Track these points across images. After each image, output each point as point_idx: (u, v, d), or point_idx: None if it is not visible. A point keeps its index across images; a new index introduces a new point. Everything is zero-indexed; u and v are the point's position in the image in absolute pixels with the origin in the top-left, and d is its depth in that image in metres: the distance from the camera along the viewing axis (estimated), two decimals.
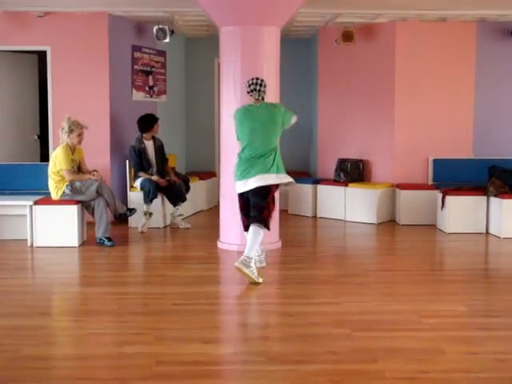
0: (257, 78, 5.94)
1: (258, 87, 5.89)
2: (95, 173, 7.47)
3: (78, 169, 7.53)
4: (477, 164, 8.92)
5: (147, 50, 9.53)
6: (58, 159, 7.30)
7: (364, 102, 9.45)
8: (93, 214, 7.46)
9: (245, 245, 6.73)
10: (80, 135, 7.39)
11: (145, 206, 8.22)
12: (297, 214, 9.68)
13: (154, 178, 8.36)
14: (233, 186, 7.10)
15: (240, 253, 6.86)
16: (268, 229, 5.83)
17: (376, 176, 9.41)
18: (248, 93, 5.96)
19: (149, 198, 8.20)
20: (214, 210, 9.79)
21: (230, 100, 6.99)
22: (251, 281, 5.61)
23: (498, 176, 8.02)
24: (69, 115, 7.43)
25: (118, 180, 8.87)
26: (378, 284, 5.75)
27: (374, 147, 9.38)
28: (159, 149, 8.65)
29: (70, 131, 7.33)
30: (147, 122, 8.54)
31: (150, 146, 8.59)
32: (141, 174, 8.46)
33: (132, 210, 7.78)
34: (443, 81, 9.14)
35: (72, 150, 7.42)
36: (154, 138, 8.64)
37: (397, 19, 8.89)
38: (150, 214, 8.27)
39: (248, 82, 5.96)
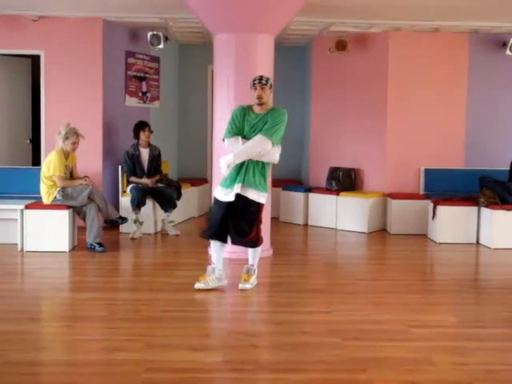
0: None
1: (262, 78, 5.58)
2: (86, 179, 7.46)
3: (70, 175, 7.51)
4: (468, 174, 8.95)
5: (141, 56, 9.53)
6: (51, 164, 7.28)
7: (357, 111, 9.47)
8: (84, 220, 7.44)
9: (236, 252, 6.77)
10: (74, 144, 7.37)
11: (134, 214, 8.20)
12: (288, 221, 9.68)
13: (144, 180, 8.36)
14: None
15: (232, 260, 6.88)
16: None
17: (368, 185, 9.43)
18: (251, 88, 5.57)
19: (135, 205, 8.18)
20: (205, 217, 9.77)
21: (224, 107, 6.99)
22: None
23: (488, 187, 8.04)
24: (69, 121, 7.42)
25: (110, 185, 8.85)
26: (368, 293, 5.75)
27: (366, 156, 9.40)
28: (154, 158, 8.63)
29: (66, 138, 7.32)
30: (134, 129, 8.56)
31: (145, 153, 8.57)
32: (132, 178, 8.45)
33: (124, 219, 7.76)
34: (435, 91, 9.18)
35: (66, 155, 7.40)
36: (150, 146, 8.63)
37: (390, 29, 8.94)
38: (141, 223, 8.25)
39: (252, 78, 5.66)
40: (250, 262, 5.86)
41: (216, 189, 5.79)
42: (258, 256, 5.88)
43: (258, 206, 5.60)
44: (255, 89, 5.54)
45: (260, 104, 5.53)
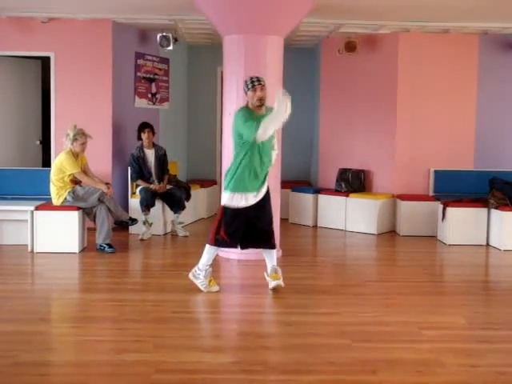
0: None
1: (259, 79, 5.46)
2: (109, 186, 7.48)
3: None
4: (478, 176, 8.92)
5: (150, 58, 9.55)
6: (64, 166, 7.31)
7: (366, 113, 9.46)
8: (94, 221, 7.46)
9: (245, 253, 6.77)
10: (83, 144, 7.41)
11: (143, 215, 8.22)
12: (297, 223, 9.67)
13: (152, 186, 8.36)
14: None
15: (241, 261, 6.89)
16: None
17: (377, 186, 9.41)
18: (250, 89, 5.43)
19: (144, 206, 8.19)
20: (214, 218, 9.75)
21: (233, 108, 6.96)
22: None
23: (498, 188, 8.01)
24: (75, 123, 7.46)
25: (120, 187, 8.87)
26: (378, 295, 5.73)
27: (376, 157, 9.38)
28: (160, 158, 8.63)
29: (75, 140, 7.35)
30: (138, 130, 8.57)
31: (150, 154, 8.58)
32: (139, 181, 8.46)
33: (134, 221, 7.79)
34: (445, 92, 9.16)
35: (75, 156, 7.43)
36: (155, 146, 8.64)
37: (399, 30, 8.92)
38: (150, 224, 8.26)
39: (249, 79, 5.50)
40: (273, 263, 5.82)
41: (227, 196, 5.59)
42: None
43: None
44: (255, 90, 5.42)
45: (261, 105, 5.48)
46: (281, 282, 5.71)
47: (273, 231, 5.75)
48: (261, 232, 5.65)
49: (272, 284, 5.70)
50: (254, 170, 5.47)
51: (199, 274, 5.72)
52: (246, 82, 5.52)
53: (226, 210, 5.57)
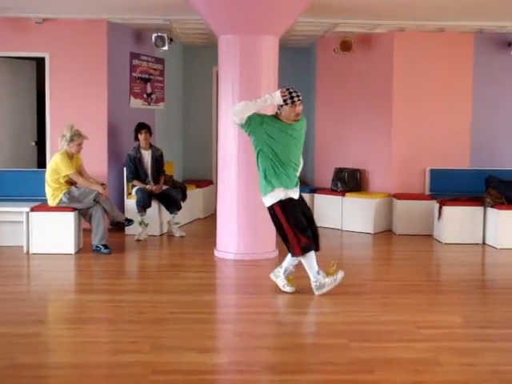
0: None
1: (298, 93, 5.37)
2: (105, 187, 7.47)
3: None
4: (474, 174, 8.92)
5: (145, 58, 9.53)
6: (59, 167, 7.29)
7: (361, 112, 9.46)
8: (90, 222, 7.44)
9: (242, 253, 6.77)
10: (80, 145, 7.39)
11: (139, 216, 8.20)
12: None
13: (148, 186, 8.35)
14: (230, 193, 7.12)
15: (237, 261, 6.88)
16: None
17: (373, 186, 9.42)
18: (289, 105, 5.31)
19: (140, 206, 8.17)
20: (210, 219, 9.76)
21: (229, 107, 6.99)
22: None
23: (494, 187, 8.02)
24: (71, 123, 7.43)
25: (116, 187, 8.85)
26: (374, 294, 5.74)
27: (372, 157, 9.38)
28: (157, 159, 8.61)
29: (71, 140, 7.33)
30: (134, 131, 8.56)
31: (146, 155, 8.55)
32: (135, 182, 8.44)
33: (130, 221, 7.78)
34: (441, 91, 9.16)
35: (70, 157, 7.41)
36: (152, 147, 8.63)
37: (395, 29, 8.92)
38: (146, 225, 8.25)
39: (287, 91, 5.34)
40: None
41: (278, 193, 5.45)
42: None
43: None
44: (295, 106, 5.31)
45: (297, 121, 5.45)
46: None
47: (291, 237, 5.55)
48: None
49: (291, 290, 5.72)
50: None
51: (279, 272, 5.74)
52: (283, 94, 5.29)
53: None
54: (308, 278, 5.75)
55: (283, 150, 5.42)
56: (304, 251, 5.46)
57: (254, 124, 5.34)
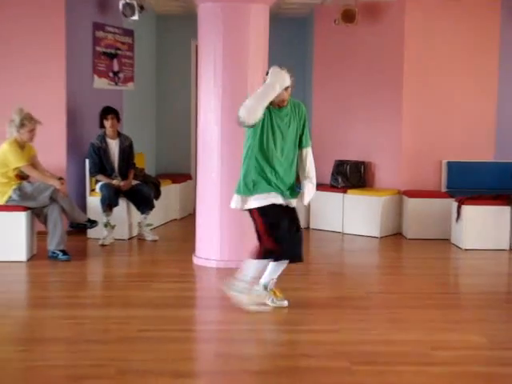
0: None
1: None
2: (63, 181, 7.44)
3: None
4: (499, 168, 8.99)
5: (111, 29, 9.49)
6: (7, 158, 7.25)
7: (367, 94, 9.46)
8: (45, 223, 7.41)
9: (225, 260, 6.77)
10: (32, 131, 7.35)
11: (104, 216, 8.17)
12: None
13: (115, 182, 8.31)
14: (211, 190, 7.10)
15: (220, 269, 6.87)
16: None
17: (380, 181, 9.43)
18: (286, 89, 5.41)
19: (105, 205, 8.14)
20: (188, 219, 9.75)
21: (210, 89, 6.98)
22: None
23: None
24: (21, 106, 7.39)
25: (76, 183, 8.80)
26: (381, 309, 5.75)
27: (378, 147, 9.40)
28: (125, 150, 8.58)
29: (22, 125, 7.29)
30: (99, 117, 8.53)
31: (113, 145, 8.52)
32: (99, 177, 8.41)
33: (93, 223, 7.74)
34: (461, 70, 9.18)
35: (21, 146, 7.36)
36: (120, 136, 8.59)
37: None
38: (113, 227, 8.22)
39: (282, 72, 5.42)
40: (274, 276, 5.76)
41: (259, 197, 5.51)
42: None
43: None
44: (285, 89, 5.40)
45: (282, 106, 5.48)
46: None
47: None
48: None
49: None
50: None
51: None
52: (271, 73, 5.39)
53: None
54: (300, 289, 5.76)
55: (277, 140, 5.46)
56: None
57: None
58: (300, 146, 5.64)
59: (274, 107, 5.43)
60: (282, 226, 5.45)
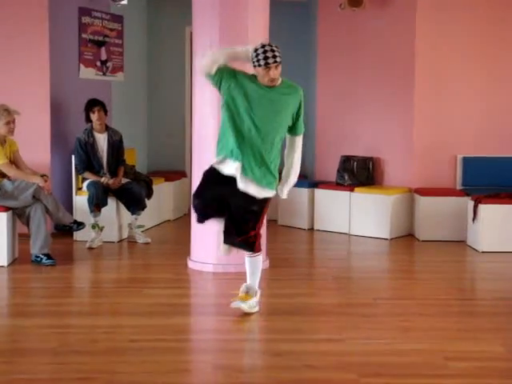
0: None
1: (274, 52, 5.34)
2: (46, 179, 7.42)
3: None
4: None
5: (99, 15, 9.49)
6: None
7: (375, 84, 9.47)
8: (27, 224, 7.40)
9: (223, 264, 6.77)
10: (8, 123, 7.34)
11: (91, 217, 8.17)
12: (289, 225, 9.69)
13: (103, 180, 8.31)
14: None
15: (216, 274, 6.87)
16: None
17: (389, 178, 9.44)
18: (261, 67, 5.29)
19: (93, 205, 8.14)
20: (183, 220, 9.76)
21: (205, 80, 6.96)
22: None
23: None
24: None
25: (61, 181, 8.82)
26: (391, 316, 5.73)
27: (388, 142, 9.40)
28: (114, 145, 8.59)
29: None
30: (85, 110, 8.53)
31: (101, 140, 8.53)
32: (86, 174, 8.42)
33: (80, 224, 7.73)
34: (478, 57, 9.18)
35: (2, 141, 7.36)
36: (108, 129, 8.59)
37: None
38: (101, 228, 8.22)
39: (261, 49, 5.32)
40: (249, 281, 5.78)
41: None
42: (259, 272, 5.81)
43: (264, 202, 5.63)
44: (268, 69, 5.30)
45: (272, 86, 5.43)
46: (245, 307, 5.65)
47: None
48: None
49: (232, 304, 5.67)
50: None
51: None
52: (256, 52, 5.31)
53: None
54: (303, 295, 5.74)
55: (256, 115, 5.41)
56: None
57: (226, 73, 5.40)
58: (292, 132, 5.62)
59: (264, 85, 5.40)
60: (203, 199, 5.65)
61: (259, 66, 5.29)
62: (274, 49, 5.32)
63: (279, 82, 5.45)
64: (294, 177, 5.77)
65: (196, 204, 5.67)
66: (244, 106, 5.40)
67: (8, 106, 7.37)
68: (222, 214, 5.62)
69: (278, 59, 5.31)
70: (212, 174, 5.55)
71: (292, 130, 5.61)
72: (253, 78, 5.45)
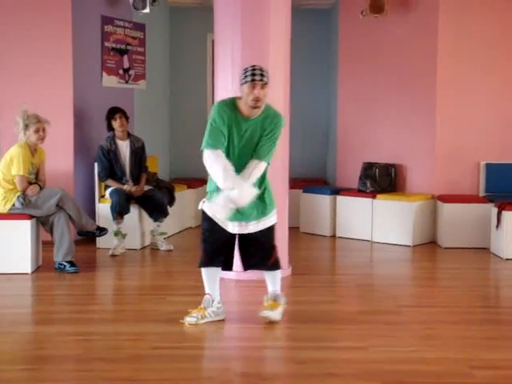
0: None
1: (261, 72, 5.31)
2: (33, 188, 7.35)
3: (36, 176, 7.49)
4: None
5: (121, 23, 9.53)
6: (13, 161, 7.27)
7: (397, 91, 9.44)
8: (51, 232, 7.43)
9: (246, 272, 6.79)
10: (38, 132, 7.35)
11: (114, 224, 8.20)
12: (310, 232, 9.67)
13: (126, 187, 8.33)
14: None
15: (239, 282, 6.86)
16: None
17: (412, 185, 9.40)
18: (246, 83, 5.25)
19: (116, 212, 8.17)
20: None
21: (228, 86, 6.97)
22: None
23: None
24: (24, 108, 7.42)
25: (84, 188, 8.84)
26: (414, 324, 5.71)
27: (410, 148, 9.36)
28: (137, 152, 8.61)
29: (25, 127, 7.32)
30: (106, 119, 8.57)
31: (123, 147, 8.56)
32: (109, 182, 8.45)
33: (103, 230, 7.76)
34: (502, 63, 9.13)
35: (32, 150, 7.39)
36: (130, 136, 8.62)
37: None
38: (124, 235, 8.25)
39: (248, 70, 5.35)
40: (273, 288, 5.78)
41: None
42: (279, 279, 5.83)
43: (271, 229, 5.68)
44: (253, 87, 5.24)
45: (255, 107, 5.34)
46: (276, 316, 5.66)
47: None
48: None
49: (263, 313, 5.67)
50: None
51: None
52: (245, 70, 5.34)
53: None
54: (326, 302, 5.71)
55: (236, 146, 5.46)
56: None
57: (222, 135, 5.44)
58: (254, 155, 5.40)
59: (243, 116, 5.38)
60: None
61: (246, 82, 5.27)
62: (263, 70, 5.34)
63: (262, 107, 5.36)
64: (237, 191, 5.30)
65: (204, 247, 5.75)
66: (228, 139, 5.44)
67: (38, 115, 7.40)
68: (227, 265, 5.86)
69: (264, 79, 5.29)
70: (212, 226, 5.73)
71: (255, 153, 5.41)
72: (233, 112, 5.37)
